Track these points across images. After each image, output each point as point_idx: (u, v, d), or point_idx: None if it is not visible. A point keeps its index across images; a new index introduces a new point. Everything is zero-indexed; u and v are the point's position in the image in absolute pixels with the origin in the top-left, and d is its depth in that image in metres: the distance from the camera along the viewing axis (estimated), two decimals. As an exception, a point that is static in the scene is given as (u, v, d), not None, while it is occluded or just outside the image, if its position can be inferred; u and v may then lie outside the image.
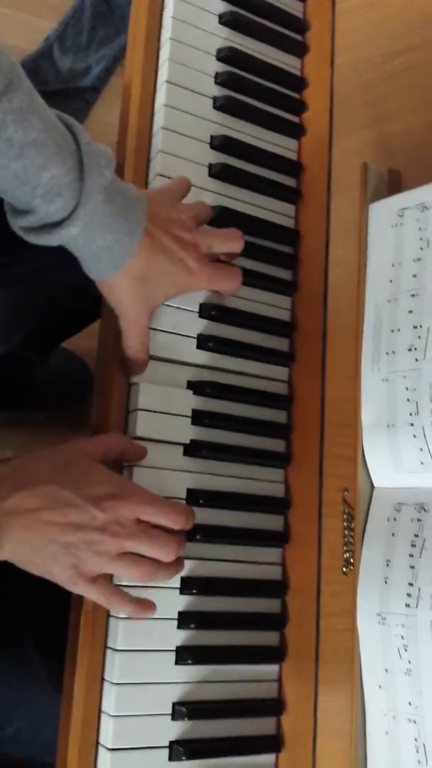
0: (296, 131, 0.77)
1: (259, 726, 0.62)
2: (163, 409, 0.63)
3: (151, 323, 0.64)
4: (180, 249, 0.62)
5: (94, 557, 0.56)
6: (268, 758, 0.62)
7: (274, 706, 0.63)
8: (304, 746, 0.60)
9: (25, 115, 0.53)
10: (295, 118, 0.77)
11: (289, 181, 0.75)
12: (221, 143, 0.72)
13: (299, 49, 0.79)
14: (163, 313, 0.65)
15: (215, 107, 0.73)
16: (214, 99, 0.73)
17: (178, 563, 0.59)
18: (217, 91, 0.74)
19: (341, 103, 0.72)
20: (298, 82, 0.78)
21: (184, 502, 0.63)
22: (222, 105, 0.73)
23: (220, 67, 0.74)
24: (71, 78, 1.52)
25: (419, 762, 0.49)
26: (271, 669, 0.64)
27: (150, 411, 0.63)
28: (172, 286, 0.63)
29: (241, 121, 0.74)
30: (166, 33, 0.73)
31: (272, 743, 0.62)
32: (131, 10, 0.76)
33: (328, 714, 0.59)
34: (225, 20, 0.75)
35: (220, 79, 0.74)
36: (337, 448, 0.63)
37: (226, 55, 0.74)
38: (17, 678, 0.68)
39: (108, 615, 0.60)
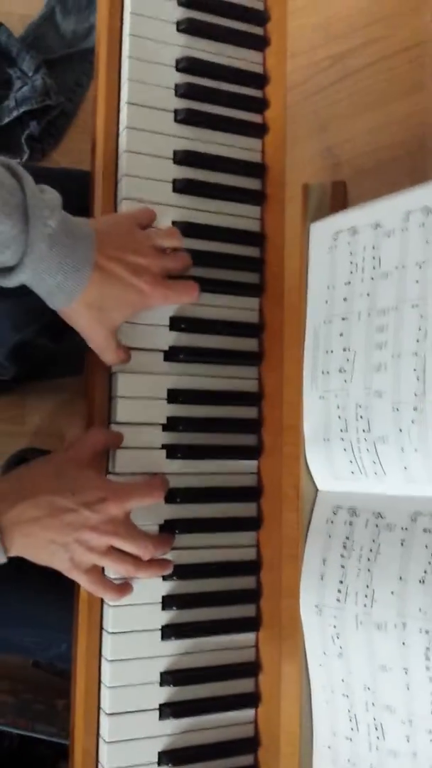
0: (259, 131, 0.80)
1: (239, 686, 0.73)
2: (139, 420, 0.71)
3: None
4: (132, 275, 0.68)
5: (86, 553, 0.66)
6: (249, 712, 0.73)
7: (252, 669, 0.73)
8: (278, 702, 0.70)
9: None
10: (257, 118, 0.80)
11: (253, 183, 0.79)
12: (183, 158, 0.76)
13: (260, 43, 0.81)
14: (134, 330, 0.72)
15: (177, 121, 0.77)
16: (176, 112, 0.77)
17: (160, 564, 0.69)
18: (178, 103, 0.77)
19: (291, 110, 0.75)
20: (260, 80, 0.80)
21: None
22: (183, 118, 0.76)
23: (180, 77, 0.77)
24: (75, 41, 1.53)
25: (352, 729, 0.58)
26: (248, 637, 0.74)
27: (127, 423, 0.71)
28: (128, 308, 0.69)
29: (204, 129, 0.78)
30: (125, 51, 0.76)
31: (251, 699, 0.73)
32: (95, 34, 0.79)
33: (289, 679, 0.68)
34: (183, 28, 0.78)
35: (180, 91, 0.77)
36: (290, 448, 0.70)
37: (185, 66, 0.77)
38: (66, 604, 0.79)
39: (102, 602, 0.70)
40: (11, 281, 0.64)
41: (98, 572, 0.68)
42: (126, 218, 0.71)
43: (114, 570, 0.68)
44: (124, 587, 0.68)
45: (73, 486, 0.66)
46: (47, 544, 0.66)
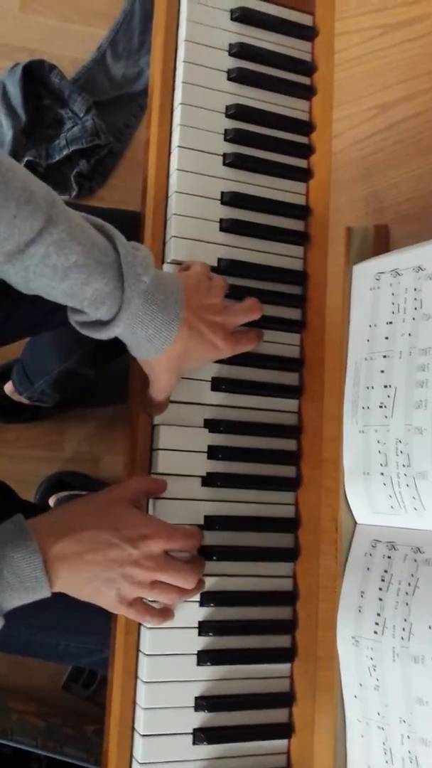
0: (304, 175, 0.83)
1: (273, 715, 0.73)
2: (181, 447, 0.74)
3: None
4: (210, 332, 0.71)
5: (132, 587, 0.68)
6: (282, 742, 0.73)
7: (286, 699, 0.74)
8: (311, 734, 0.71)
9: (65, 244, 0.62)
10: (302, 163, 0.83)
11: (297, 224, 0.82)
12: (230, 199, 0.79)
13: (306, 92, 0.84)
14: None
15: (225, 164, 0.80)
16: (224, 156, 0.80)
17: (199, 586, 0.71)
18: (227, 147, 0.80)
19: (337, 156, 0.78)
20: (306, 127, 0.84)
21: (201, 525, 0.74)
22: (231, 162, 0.80)
23: (229, 123, 0.81)
24: (125, 84, 1.59)
25: (386, 762, 0.59)
26: (283, 667, 0.75)
27: (169, 450, 0.73)
28: (202, 360, 0.74)
29: (250, 173, 0.81)
30: (178, 98, 0.80)
31: (284, 730, 0.73)
32: (149, 81, 0.84)
33: (323, 711, 0.69)
34: (233, 76, 0.82)
35: (229, 136, 0.80)
36: (329, 481, 0.71)
37: (234, 113, 0.81)
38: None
39: (139, 624, 0.72)
40: (105, 334, 0.67)
41: (142, 603, 0.69)
42: (200, 275, 0.74)
43: (161, 600, 0.70)
44: (165, 612, 0.70)
45: (116, 522, 0.68)
46: (91, 579, 0.67)
